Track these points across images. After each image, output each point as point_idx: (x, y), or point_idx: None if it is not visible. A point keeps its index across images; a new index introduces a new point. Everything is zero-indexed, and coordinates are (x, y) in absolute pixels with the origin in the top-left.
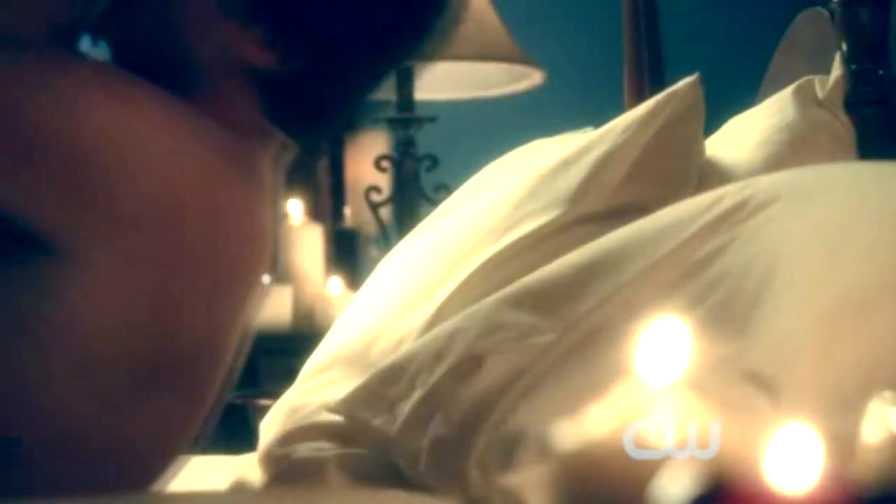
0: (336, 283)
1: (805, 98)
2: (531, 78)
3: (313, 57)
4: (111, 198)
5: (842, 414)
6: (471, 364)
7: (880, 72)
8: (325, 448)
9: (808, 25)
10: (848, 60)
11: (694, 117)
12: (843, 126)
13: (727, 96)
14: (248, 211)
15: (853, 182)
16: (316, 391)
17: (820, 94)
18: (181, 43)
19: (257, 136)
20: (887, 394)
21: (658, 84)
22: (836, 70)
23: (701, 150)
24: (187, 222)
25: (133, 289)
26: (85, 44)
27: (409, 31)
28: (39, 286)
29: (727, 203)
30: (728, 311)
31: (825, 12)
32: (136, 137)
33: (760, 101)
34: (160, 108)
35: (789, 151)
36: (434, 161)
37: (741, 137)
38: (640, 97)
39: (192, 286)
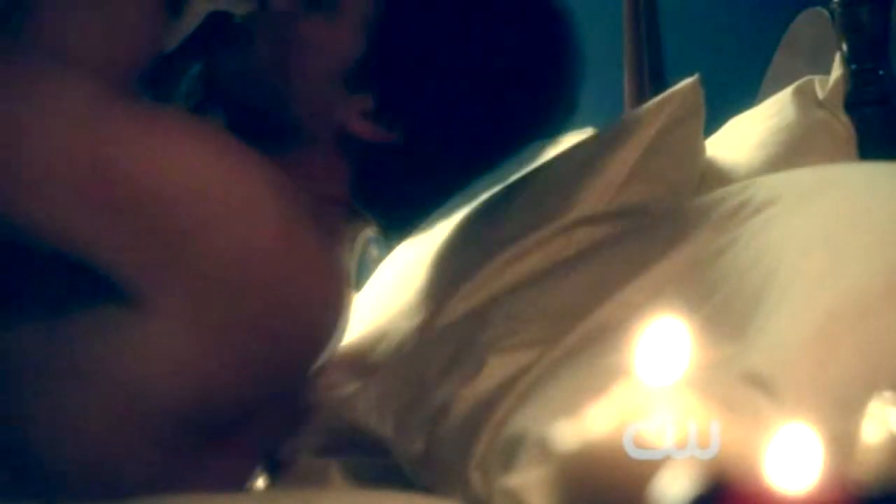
0: None
1: (805, 98)
2: None
3: (416, 135)
4: (191, 252)
5: (842, 414)
6: (472, 365)
7: (880, 72)
8: (327, 449)
9: (809, 25)
10: (848, 60)
11: (694, 119)
12: (843, 126)
13: (727, 96)
14: (321, 281)
15: (854, 182)
16: (317, 392)
17: (820, 94)
18: (285, 100)
19: (341, 206)
20: (887, 394)
21: (658, 84)
22: (836, 70)
23: (701, 151)
24: (261, 286)
25: (198, 344)
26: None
27: (522, 124)
28: (105, 330)
29: (728, 204)
30: (728, 312)
31: (825, 12)
32: (222, 195)
33: (760, 101)
34: (248, 169)
35: (790, 152)
36: None
37: (741, 138)
38: (640, 97)
39: (256, 348)
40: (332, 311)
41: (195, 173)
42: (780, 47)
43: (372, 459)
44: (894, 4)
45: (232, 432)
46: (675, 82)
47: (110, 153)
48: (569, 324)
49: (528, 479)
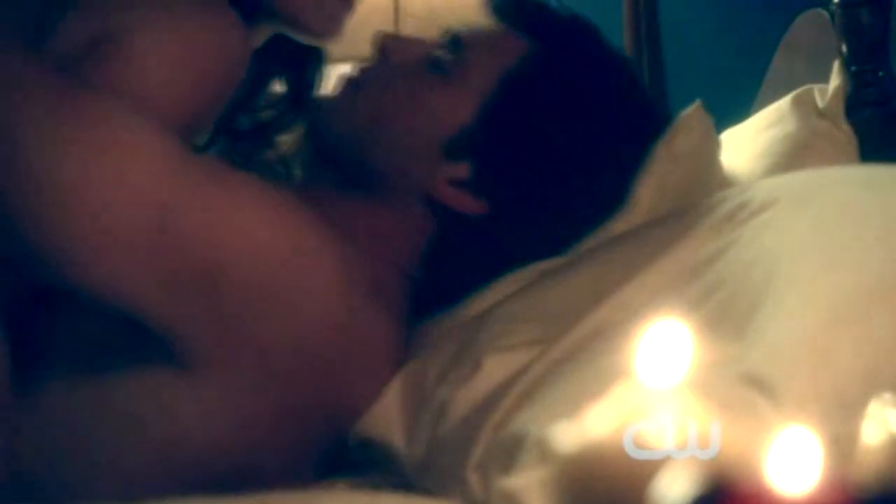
0: None
1: (805, 108)
2: None
3: (505, 210)
4: (252, 323)
5: (841, 415)
6: (470, 366)
7: (880, 73)
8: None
9: (809, 26)
10: (848, 62)
11: (705, 147)
12: (844, 135)
13: (727, 97)
14: (377, 360)
15: (851, 184)
16: None
17: (820, 103)
18: (381, 152)
19: (402, 276)
20: (887, 395)
21: (659, 87)
22: (835, 79)
23: (718, 176)
24: (319, 360)
25: (249, 411)
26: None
27: (603, 209)
28: (154, 390)
29: (727, 206)
30: (727, 312)
31: (825, 13)
32: (288, 269)
33: (761, 101)
34: (316, 243)
35: (791, 162)
36: None
37: (741, 149)
38: None
39: (306, 418)
40: (380, 385)
41: (263, 245)
42: (779, 48)
43: (374, 478)
44: (894, 6)
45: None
46: (675, 83)
47: (178, 218)
48: (567, 324)
49: (527, 480)
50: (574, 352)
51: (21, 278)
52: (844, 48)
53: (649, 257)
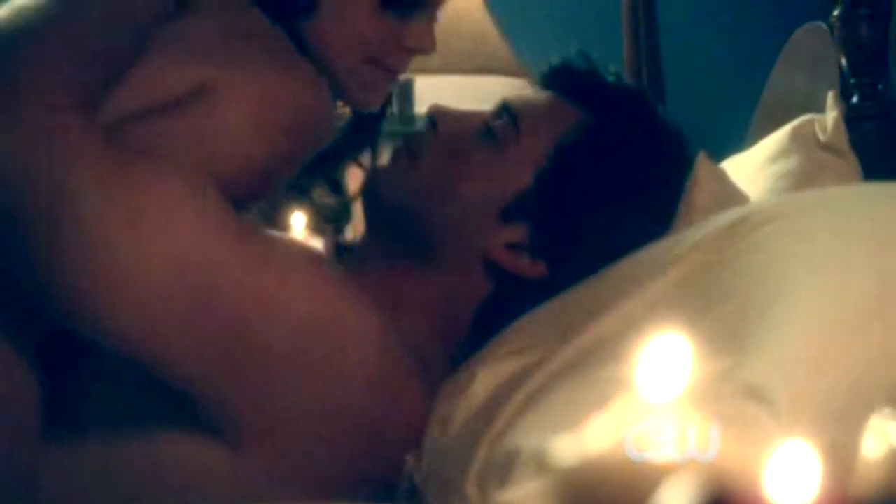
0: (317, 245)
1: (805, 141)
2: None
3: (563, 271)
4: (288, 392)
5: (841, 426)
6: (465, 378)
7: (879, 86)
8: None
9: (808, 39)
10: (847, 74)
11: (719, 194)
12: (849, 166)
13: (727, 109)
14: (414, 419)
15: (851, 200)
16: None
17: (820, 134)
18: (436, 220)
19: (446, 345)
20: (887, 409)
21: (658, 96)
22: (833, 109)
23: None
24: (359, 431)
25: (284, 482)
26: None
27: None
28: (188, 456)
29: (726, 221)
30: (726, 326)
31: (824, 26)
32: (324, 339)
33: (760, 113)
34: (359, 314)
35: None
36: None
37: (745, 185)
38: None
39: (340, 482)
40: (414, 439)
41: (302, 316)
42: (779, 60)
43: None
44: (893, 19)
45: None
46: (675, 95)
47: (219, 284)
48: (566, 336)
49: (525, 493)
50: (573, 364)
51: (60, 328)
52: (844, 61)
53: (649, 270)
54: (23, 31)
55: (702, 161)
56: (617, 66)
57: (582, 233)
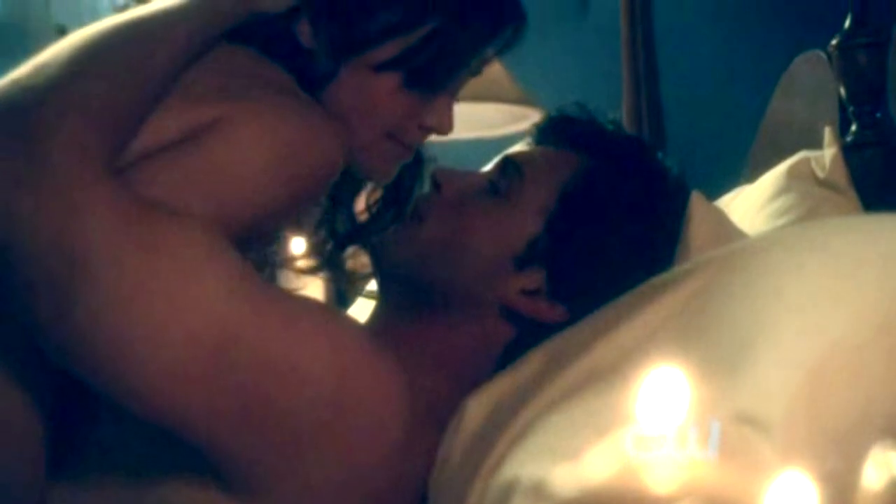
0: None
1: (803, 178)
2: (531, 118)
3: (582, 313)
4: (304, 452)
5: (836, 452)
6: (457, 413)
7: (878, 114)
8: None
9: (807, 68)
10: (846, 103)
11: (715, 233)
12: (849, 202)
13: (726, 138)
14: (426, 467)
15: (846, 231)
16: None
17: (818, 171)
18: (448, 276)
19: (473, 385)
20: (888, 439)
21: (657, 126)
22: (831, 146)
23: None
24: (373, 483)
25: None
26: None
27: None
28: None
29: (721, 251)
30: (720, 353)
31: (823, 55)
32: (348, 396)
33: (759, 141)
34: (377, 371)
35: None
36: None
37: (744, 225)
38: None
39: None
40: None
41: (326, 380)
42: (778, 89)
43: None
44: (891, 48)
45: None
46: (673, 124)
47: (236, 344)
48: (562, 364)
49: None
50: (569, 392)
51: (63, 378)
52: (843, 90)
53: (643, 299)
54: (42, 91)
55: (696, 200)
56: (616, 94)
57: (595, 272)
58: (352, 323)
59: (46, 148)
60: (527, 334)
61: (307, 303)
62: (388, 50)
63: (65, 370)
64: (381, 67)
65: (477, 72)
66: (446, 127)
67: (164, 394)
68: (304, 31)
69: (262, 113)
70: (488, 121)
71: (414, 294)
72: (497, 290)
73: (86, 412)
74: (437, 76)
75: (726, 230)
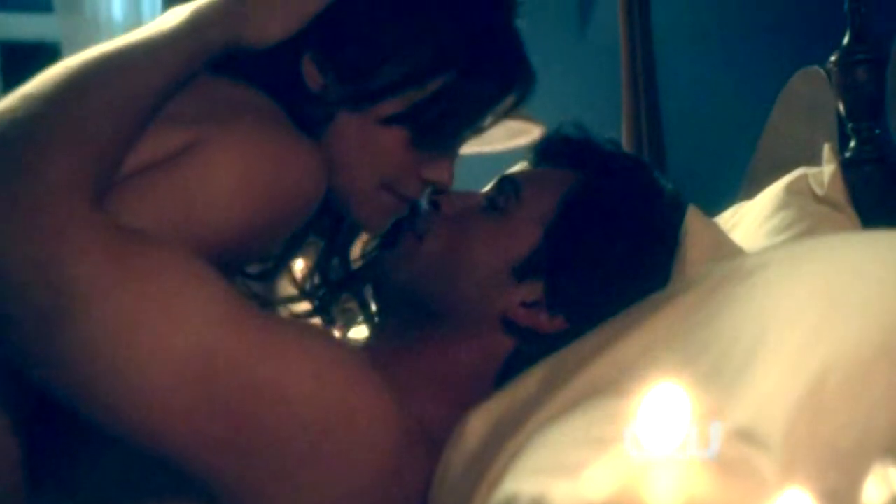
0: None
1: (801, 195)
2: (530, 133)
3: (583, 322)
4: (296, 476)
5: (836, 469)
6: (458, 428)
7: (877, 131)
8: None
9: (805, 84)
10: (845, 119)
11: (713, 247)
12: (847, 219)
13: (725, 154)
14: (421, 491)
15: (845, 247)
16: None
17: (816, 188)
18: (447, 291)
19: (471, 403)
20: (890, 457)
21: (656, 142)
22: (830, 163)
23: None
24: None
25: None
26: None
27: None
28: None
29: (720, 268)
30: (720, 370)
31: (822, 71)
32: (333, 425)
33: (758, 157)
34: (372, 399)
35: None
36: None
37: (744, 244)
38: (639, 153)
39: None
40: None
41: (317, 404)
42: (777, 105)
43: None
44: (890, 64)
45: None
46: (672, 140)
47: (227, 371)
48: (561, 379)
49: None
50: (568, 407)
51: (43, 399)
52: (841, 106)
53: (642, 314)
54: (28, 125)
55: (693, 214)
56: (616, 109)
57: (594, 283)
58: (338, 343)
59: (31, 184)
60: (526, 347)
61: (293, 325)
62: (395, 104)
63: (44, 393)
64: (386, 121)
65: (481, 131)
66: (446, 183)
67: (153, 421)
68: (311, 74)
69: (237, 138)
70: (487, 136)
71: (414, 311)
72: (497, 302)
73: (66, 434)
74: (442, 135)
75: (722, 245)
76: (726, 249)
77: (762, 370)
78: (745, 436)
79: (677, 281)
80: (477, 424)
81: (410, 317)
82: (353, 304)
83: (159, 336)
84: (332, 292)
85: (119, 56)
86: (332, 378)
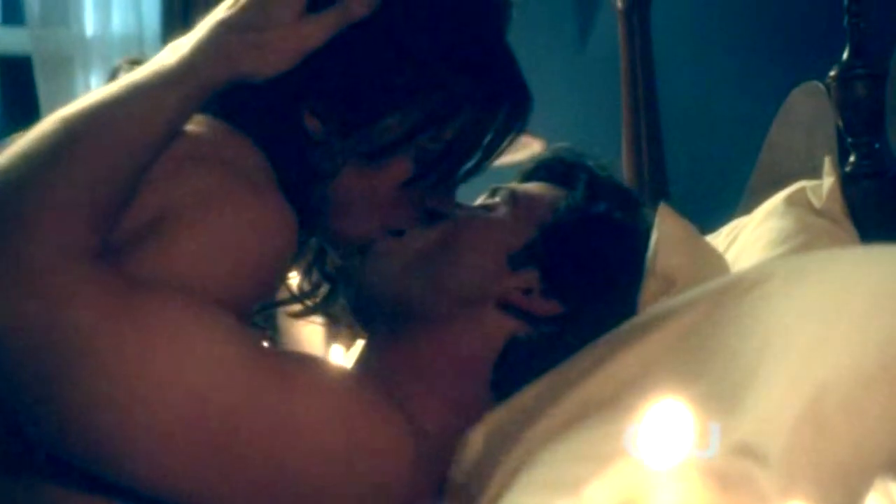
0: (337, 351)
1: (800, 208)
2: (531, 147)
3: (580, 307)
4: None
5: (838, 488)
6: (459, 443)
7: (876, 145)
8: None
9: (805, 98)
10: (844, 134)
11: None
12: (845, 232)
13: (724, 168)
14: None
15: (845, 262)
16: None
17: (814, 200)
18: (439, 285)
19: (475, 410)
20: (891, 472)
21: (656, 157)
22: (829, 176)
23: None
24: None
25: None
26: None
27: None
28: None
29: (720, 282)
30: (721, 385)
31: (821, 86)
32: (354, 457)
33: (758, 170)
34: (385, 432)
35: None
36: None
37: (743, 257)
38: (638, 167)
39: None
40: None
41: (332, 440)
42: (776, 119)
43: None
44: (889, 79)
45: None
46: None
47: (240, 417)
48: (562, 393)
49: None
50: (567, 424)
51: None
52: (841, 120)
53: (643, 330)
54: (22, 184)
55: (664, 211)
56: (616, 122)
57: (588, 270)
58: (347, 374)
59: (31, 247)
60: (523, 331)
61: (302, 360)
62: (404, 159)
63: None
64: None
65: (483, 171)
66: (446, 209)
67: (167, 467)
68: (313, 125)
69: (208, 203)
70: None
71: (395, 317)
72: (492, 288)
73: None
74: (446, 175)
75: (692, 241)
76: (698, 248)
77: (762, 386)
78: (746, 451)
79: (678, 294)
80: (476, 438)
81: (402, 315)
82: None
83: (172, 383)
84: (332, 287)
85: (116, 104)
86: (347, 411)
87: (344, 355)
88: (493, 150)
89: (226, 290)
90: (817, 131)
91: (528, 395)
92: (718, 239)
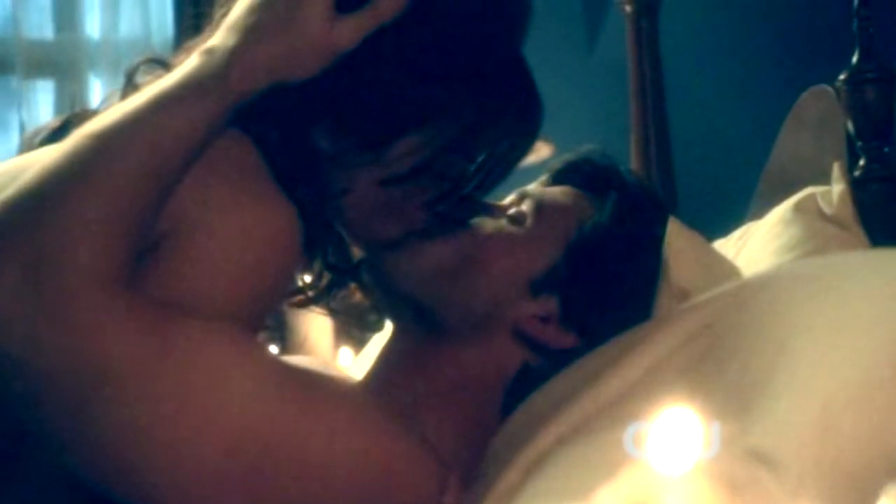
0: (346, 353)
1: (809, 214)
2: (539, 151)
3: (596, 339)
4: None
5: (849, 492)
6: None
7: (885, 149)
8: None
9: (814, 102)
10: (854, 138)
11: (701, 266)
12: (855, 238)
13: (734, 172)
14: None
15: (856, 266)
16: None
17: (825, 207)
18: (459, 301)
19: (486, 427)
20: None
21: (665, 161)
22: (839, 183)
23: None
24: None
25: None
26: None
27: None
28: None
29: (729, 286)
30: (731, 390)
31: (830, 90)
32: (387, 485)
33: (767, 174)
34: (409, 454)
35: None
36: None
37: (752, 264)
38: (647, 171)
39: None
40: None
41: (364, 462)
42: (786, 123)
43: None
44: None
45: None
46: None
47: (277, 445)
48: (571, 399)
49: None
50: (579, 428)
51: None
52: (850, 124)
53: (652, 336)
54: (45, 208)
55: (674, 226)
56: (624, 126)
57: (609, 302)
58: (374, 401)
59: (58, 270)
60: (534, 361)
61: (332, 384)
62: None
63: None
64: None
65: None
66: (471, 215)
67: (202, 498)
68: (324, 141)
69: (211, 217)
70: None
71: (415, 316)
72: (509, 312)
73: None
74: (464, 195)
75: (706, 256)
76: (711, 260)
77: (773, 391)
78: (756, 456)
79: (688, 301)
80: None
81: (419, 321)
82: (362, 299)
83: (207, 411)
84: (337, 280)
85: (148, 118)
86: (379, 439)
87: (353, 358)
88: (511, 164)
89: (240, 306)
90: (827, 135)
91: (536, 398)
92: (729, 244)
